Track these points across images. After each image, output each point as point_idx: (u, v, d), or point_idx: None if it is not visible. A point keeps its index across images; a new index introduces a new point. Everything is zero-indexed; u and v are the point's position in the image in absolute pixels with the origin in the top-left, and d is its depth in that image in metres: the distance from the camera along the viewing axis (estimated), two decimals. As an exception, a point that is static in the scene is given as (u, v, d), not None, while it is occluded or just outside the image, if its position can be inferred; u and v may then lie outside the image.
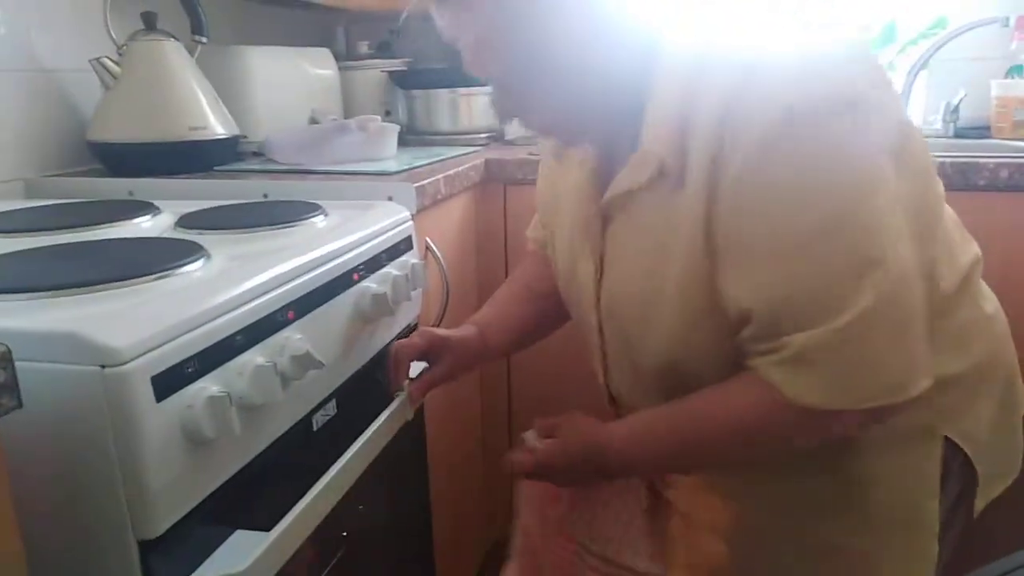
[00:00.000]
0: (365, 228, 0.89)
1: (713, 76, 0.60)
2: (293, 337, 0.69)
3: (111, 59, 1.21)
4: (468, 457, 1.44)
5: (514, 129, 1.66)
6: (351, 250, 0.83)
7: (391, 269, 0.91)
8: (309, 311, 0.73)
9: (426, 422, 1.12)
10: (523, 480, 0.79)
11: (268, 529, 0.63)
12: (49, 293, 0.61)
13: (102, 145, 1.22)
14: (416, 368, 0.88)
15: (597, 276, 0.74)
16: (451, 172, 1.21)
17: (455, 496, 1.34)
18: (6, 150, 1.16)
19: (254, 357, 0.64)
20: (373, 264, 0.88)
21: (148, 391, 0.54)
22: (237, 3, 1.64)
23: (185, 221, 0.90)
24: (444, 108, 1.68)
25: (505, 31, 0.64)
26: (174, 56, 1.26)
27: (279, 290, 0.69)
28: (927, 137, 0.78)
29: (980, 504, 0.75)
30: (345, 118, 1.66)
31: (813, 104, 0.57)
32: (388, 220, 0.95)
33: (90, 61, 1.20)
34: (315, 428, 0.78)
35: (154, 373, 0.54)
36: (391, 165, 1.26)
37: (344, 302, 0.80)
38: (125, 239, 0.83)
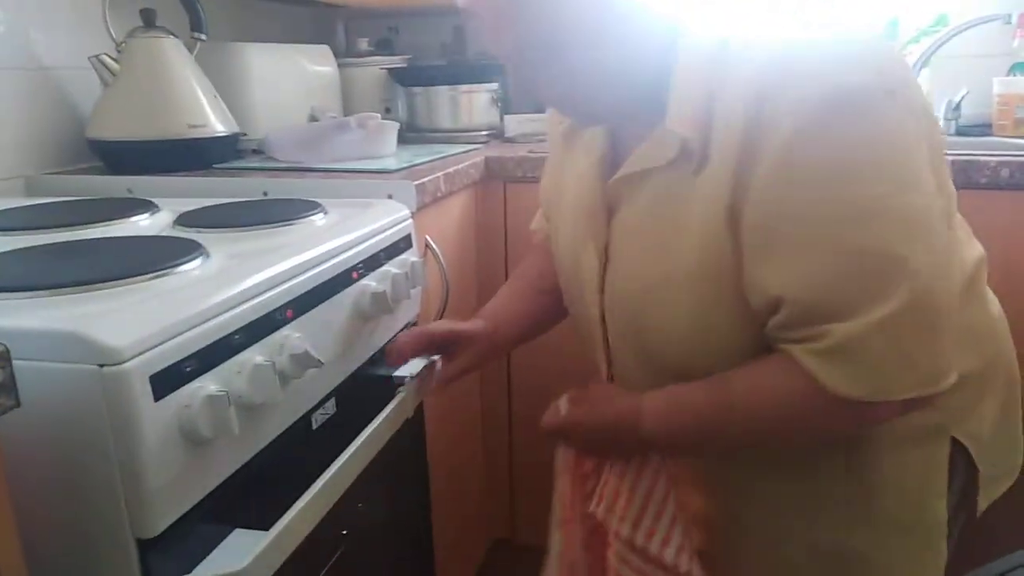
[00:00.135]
0: (364, 226, 0.89)
1: (745, 59, 0.59)
2: (292, 336, 0.69)
3: (110, 56, 1.21)
4: (468, 456, 1.44)
5: (514, 127, 1.66)
6: (350, 248, 0.83)
7: (390, 267, 0.91)
8: (308, 310, 0.73)
9: (426, 421, 1.12)
10: (560, 447, 0.78)
11: (267, 528, 0.63)
12: (47, 292, 0.61)
13: (101, 143, 1.22)
14: (416, 364, 0.87)
15: (601, 266, 0.73)
16: (451, 170, 1.21)
17: (455, 495, 1.34)
18: (6, 148, 1.16)
19: (253, 356, 0.63)
20: (372, 262, 0.87)
21: (146, 390, 0.54)
22: (236, 0, 1.63)
23: (184, 219, 0.90)
24: (444, 105, 1.68)
25: (524, 2, 0.63)
26: (173, 53, 1.25)
27: (278, 289, 0.69)
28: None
29: (982, 505, 0.75)
30: (345, 115, 1.65)
31: (859, 89, 0.56)
32: (388, 218, 0.95)
33: (89, 59, 1.19)
34: (314, 427, 0.77)
35: (152, 372, 0.54)
36: (391, 163, 1.26)
37: (343, 300, 0.80)
38: (124, 237, 0.83)
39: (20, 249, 0.76)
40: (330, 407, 0.80)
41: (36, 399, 0.50)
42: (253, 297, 0.66)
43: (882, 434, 0.67)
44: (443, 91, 1.66)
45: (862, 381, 0.58)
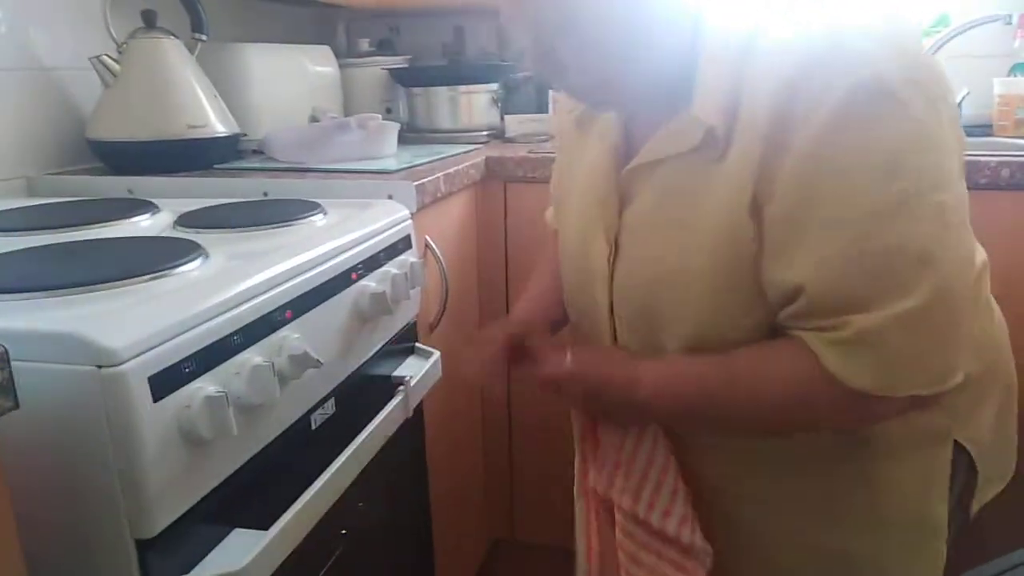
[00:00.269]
0: (364, 227, 0.89)
1: (775, 49, 0.58)
2: (291, 336, 0.69)
3: (111, 57, 1.21)
4: (468, 455, 1.44)
5: (514, 127, 1.66)
6: (350, 249, 0.83)
7: (390, 268, 0.91)
8: (307, 310, 0.73)
9: (425, 420, 1.12)
10: (574, 414, 0.77)
11: (266, 528, 0.63)
12: (47, 293, 0.62)
13: (102, 143, 1.22)
14: (414, 367, 0.87)
15: (611, 256, 0.72)
16: (451, 170, 1.21)
17: (455, 494, 1.34)
18: (7, 148, 1.16)
19: (252, 357, 0.64)
20: (372, 263, 0.88)
21: (145, 391, 0.54)
22: (237, 1, 1.64)
23: (184, 220, 0.90)
24: (445, 105, 1.68)
25: None
26: (174, 54, 1.25)
27: (277, 289, 0.69)
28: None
29: (975, 508, 0.75)
30: (345, 115, 1.65)
31: (889, 80, 0.56)
32: (387, 219, 0.95)
33: (90, 59, 1.20)
34: (313, 427, 0.78)
35: (151, 373, 0.54)
36: (391, 163, 1.26)
37: (342, 301, 0.80)
38: (123, 238, 0.83)
39: (20, 250, 0.77)
40: (330, 407, 0.81)
41: (35, 400, 0.50)
42: (252, 298, 0.66)
43: (887, 436, 0.67)
44: (443, 91, 1.67)
45: (874, 374, 0.57)
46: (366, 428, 0.81)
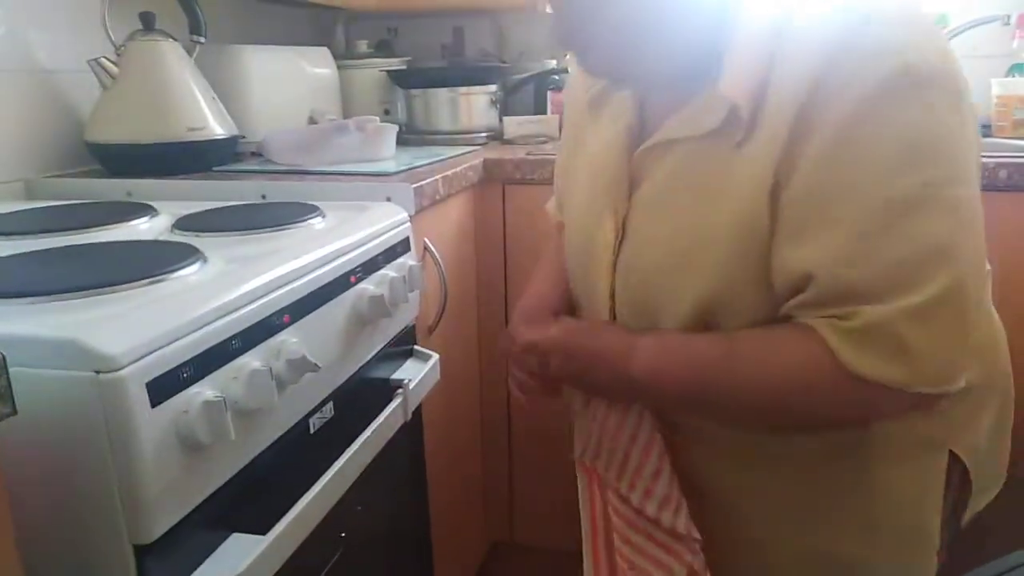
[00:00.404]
0: (362, 230, 0.89)
1: (808, 34, 0.58)
2: (289, 341, 0.69)
3: (109, 59, 1.21)
4: (467, 458, 1.44)
5: (513, 128, 1.66)
6: (348, 252, 0.83)
7: (388, 271, 0.91)
8: (305, 314, 0.73)
9: (424, 423, 1.12)
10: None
11: (264, 532, 0.63)
12: (44, 298, 0.61)
13: (100, 146, 1.22)
14: (413, 369, 0.87)
15: (617, 240, 0.71)
16: (449, 172, 1.21)
17: (454, 497, 1.34)
18: (5, 151, 1.16)
19: (250, 361, 0.64)
20: (370, 266, 0.88)
21: (143, 397, 0.54)
22: (235, 2, 1.64)
23: (182, 223, 0.90)
24: (443, 107, 1.68)
25: None
26: (172, 56, 1.25)
27: (275, 294, 0.69)
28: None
29: (967, 516, 0.74)
30: (344, 117, 1.66)
31: (919, 71, 0.55)
32: (386, 222, 0.95)
33: (88, 62, 1.20)
34: (312, 431, 0.78)
35: (149, 379, 0.54)
36: (390, 165, 1.26)
37: (341, 305, 0.80)
38: (122, 242, 0.83)
39: (18, 255, 0.77)
40: (328, 411, 0.81)
41: (33, 406, 0.51)
42: (250, 302, 0.66)
43: (884, 442, 0.66)
44: (442, 93, 1.67)
45: (882, 364, 0.56)
46: (365, 431, 0.81)
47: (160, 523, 0.56)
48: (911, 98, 0.56)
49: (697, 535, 0.69)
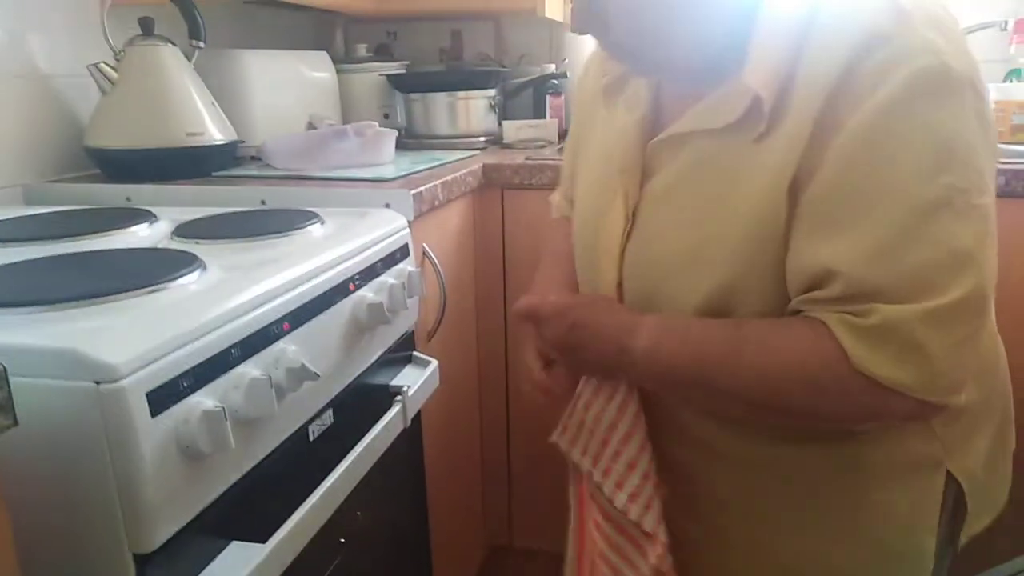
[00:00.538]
0: (362, 237, 0.89)
1: (836, 28, 0.57)
2: (288, 349, 0.69)
3: (108, 65, 1.21)
4: (466, 463, 1.44)
5: (512, 133, 1.66)
6: (347, 260, 0.84)
7: (387, 278, 0.91)
8: (304, 322, 0.73)
9: (424, 429, 1.12)
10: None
11: (264, 540, 0.63)
12: (44, 307, 0.62)
13: (99, 151, 1.23)
14: (412, 376, 0.87)
15: (626, 230, 0.70)
16: (448, 178, 1.21)
17: (453, 502, 1.34)
18: (5, 156, 1.16)
19: (249, 370, 0.64)
20: (369, 273, 0.88)
21: (143, 407, 0.54)
22: (234, 7, 1.64)
23: (182, 230, 0.90)
24: (442, 111, 1.68)
25: None
26: (171, 61, 1.26)
27: (274, 302, 0.70)
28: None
29: (963, 539, 0.73)
30: (344, 121, 1.66)
31: (947, 72, 0.55)
32: (385, 228, 0.95)
33: (88, 67, 1.20)
34: (311, 438, 0.78)
35: (149, 389, 0.55)
36: (389, 171, 1.26)
37: (340, 312, 0.81)
38: (121, 250, 0.84)
39: (18, 263, 0.77)
40: (327, 418, 0.81)
41: (33, 416, 0.51)
42: (250, 311, 0.66)
43: (881, 457, 0.66)
44: (441, 97, 1.67)
45: (893, 365, 0.56)
46: (364, 438, 0.81)
47: (160, 532, 0.57)
48: (944, 99, 0.55)
49: (664, 537, 0.67)
